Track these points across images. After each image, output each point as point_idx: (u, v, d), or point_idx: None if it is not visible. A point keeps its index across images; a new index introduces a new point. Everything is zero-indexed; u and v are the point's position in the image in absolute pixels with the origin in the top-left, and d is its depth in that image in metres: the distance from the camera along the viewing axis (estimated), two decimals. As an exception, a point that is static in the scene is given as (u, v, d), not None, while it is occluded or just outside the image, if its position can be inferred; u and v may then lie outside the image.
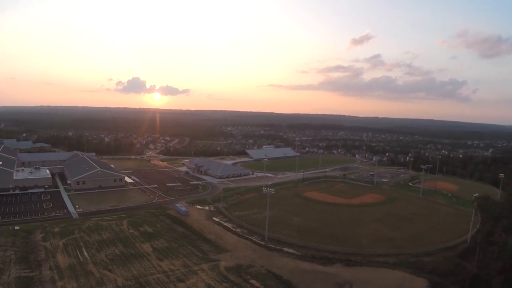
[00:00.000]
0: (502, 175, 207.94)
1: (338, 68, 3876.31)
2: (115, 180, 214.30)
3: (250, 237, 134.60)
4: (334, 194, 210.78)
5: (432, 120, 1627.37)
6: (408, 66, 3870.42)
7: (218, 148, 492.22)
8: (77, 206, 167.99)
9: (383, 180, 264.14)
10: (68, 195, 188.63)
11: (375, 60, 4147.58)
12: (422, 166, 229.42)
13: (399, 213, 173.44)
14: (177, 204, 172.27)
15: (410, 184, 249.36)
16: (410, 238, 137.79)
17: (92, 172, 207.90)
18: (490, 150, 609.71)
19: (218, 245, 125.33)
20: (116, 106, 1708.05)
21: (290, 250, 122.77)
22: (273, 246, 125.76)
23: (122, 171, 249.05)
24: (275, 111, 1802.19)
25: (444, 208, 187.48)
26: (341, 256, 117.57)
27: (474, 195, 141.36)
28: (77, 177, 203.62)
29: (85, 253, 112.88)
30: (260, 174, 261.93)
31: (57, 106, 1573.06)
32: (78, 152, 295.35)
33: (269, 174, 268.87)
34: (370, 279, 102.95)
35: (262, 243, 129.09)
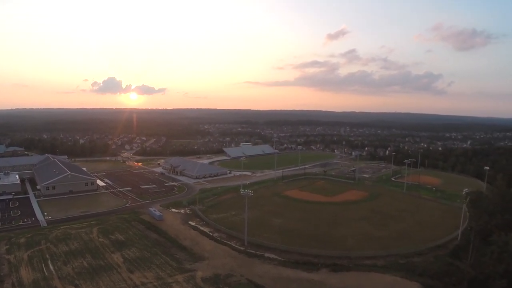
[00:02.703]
0: (487, 167, 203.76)
1: (314, 63, 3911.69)
2: (86, 184, 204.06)
3: (229, 242, 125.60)
4: (316, 192, 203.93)
5: (408, 113, 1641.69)
6: (384, 60, 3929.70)
7: (195, 147, 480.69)
8: (45, 213, 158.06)
9: (365, 175, 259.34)
10: (37, 201, 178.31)
11: (351, 55, 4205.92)
12: (405, 161, 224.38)
13: (384, 210, 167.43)
14: (151, 208, 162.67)
15: (393, 179, 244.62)
16: (398, 237, 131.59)
17: (62, 176, 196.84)
18: (469, 142, 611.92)
19: (194, 253, 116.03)
20: (92, 107, 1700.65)
21: (272, 255, 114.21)
22: (254, 252, 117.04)
23: (95, 174, 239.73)
24: (252, 108, 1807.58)
25: (429, 203, 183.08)
26: (326, 260, 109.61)
27: (464, 190, 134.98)
28: (46, 182, 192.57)
29: (51, 267, 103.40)
30: (238, 173, 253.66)
31: (32, 108, 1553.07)
32: (49, 155, 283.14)
33: (247, 173, 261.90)
34: (359, 286, 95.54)
35: (242, 248, 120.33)
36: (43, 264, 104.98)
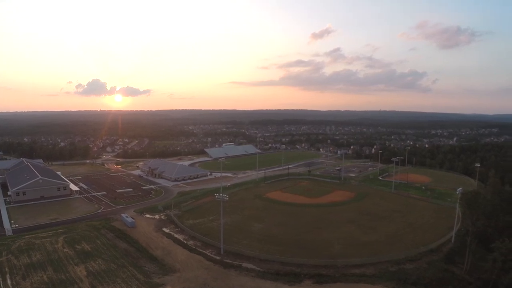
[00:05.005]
0: (477, 164, 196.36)
1: (298, 63, 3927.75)
2: (59, 189, 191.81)
3: (204, 251, 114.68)
4: (299, 193, 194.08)
5: (394, 111, 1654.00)
6: (369, 59, 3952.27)
7: (178, 148, 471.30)
8: (12, 221, 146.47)
9: (351, 175, 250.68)
10: (7, 208, 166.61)
11: (336, 54, 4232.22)
12: (393, 159, 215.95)
13: (372, 211, 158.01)
14: (123, 214, 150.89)
15: (380, 178, 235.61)
16: (388, 241, 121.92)
17: (32, 181, 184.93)
18: (455, 139, 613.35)
19: (165, 264, 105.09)
20: (77, 110, 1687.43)
21: (250, 266, 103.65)
22: (230, 262, 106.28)
23: (71, 178, 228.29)
24: (237, 108, 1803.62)
25: (420, 202, 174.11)
26: (310, 270, 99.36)
27: (458, 189, 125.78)
28: (16, 188, 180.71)
29: (8, 282, 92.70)
30: (219, 175, 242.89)
31: (16, 112, 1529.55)
32: (24, 159, 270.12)
33: (228, 174, 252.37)
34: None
35: (217, 258, 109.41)
36: (0, 279, 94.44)
